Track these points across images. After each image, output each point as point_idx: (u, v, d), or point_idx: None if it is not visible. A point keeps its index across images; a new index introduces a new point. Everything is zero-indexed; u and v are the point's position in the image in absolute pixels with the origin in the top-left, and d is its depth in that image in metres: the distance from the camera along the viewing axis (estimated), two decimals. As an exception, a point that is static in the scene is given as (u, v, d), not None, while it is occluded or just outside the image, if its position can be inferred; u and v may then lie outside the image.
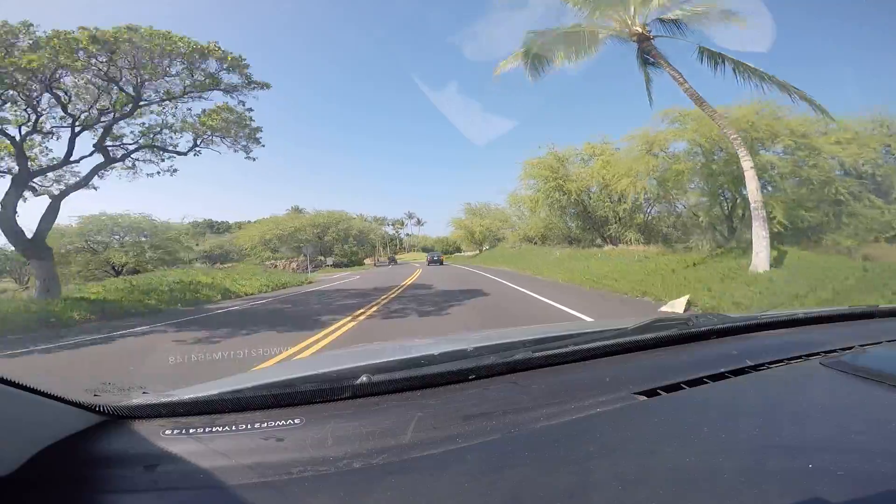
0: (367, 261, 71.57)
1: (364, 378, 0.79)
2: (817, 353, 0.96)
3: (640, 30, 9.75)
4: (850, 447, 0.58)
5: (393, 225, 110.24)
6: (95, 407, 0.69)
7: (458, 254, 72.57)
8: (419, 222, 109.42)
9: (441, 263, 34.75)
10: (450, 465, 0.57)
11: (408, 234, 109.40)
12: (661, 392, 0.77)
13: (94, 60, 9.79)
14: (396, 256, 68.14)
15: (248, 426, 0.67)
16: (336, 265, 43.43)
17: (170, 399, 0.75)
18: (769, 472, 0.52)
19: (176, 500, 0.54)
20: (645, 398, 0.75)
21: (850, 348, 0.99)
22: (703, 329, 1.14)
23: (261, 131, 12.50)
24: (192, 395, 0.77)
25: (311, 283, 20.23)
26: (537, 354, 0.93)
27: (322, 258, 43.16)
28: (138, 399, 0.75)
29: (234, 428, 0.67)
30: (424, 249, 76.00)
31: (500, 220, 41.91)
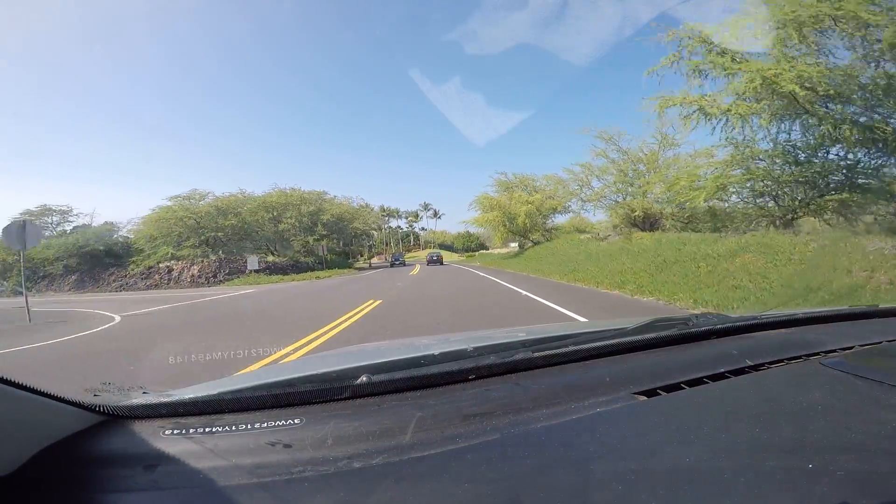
0: (375, 260, 54.90)
1: (364, 378, 0.79)
2: (817, 353, 0.96)
3: None
4: (850, 447, 0.58)
5: (406, 218, 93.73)
6: (95, 407, 0.69)
7: (485, 251, 54.25)
8: (436, 214, 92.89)
9: (441, 263, 35.44)
10: (450, 465, 0.57)
11: (423, 229, 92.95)
12: (661, 392, 0.78)
13: None
14: (405, 255, 52.22)
15: (248, 426, 0.67)
16: (275, 269, 26.27)
17: (170, 399, 0.75)
18: (769, 472, 0.52)
19: (176, 499, 0.54)
20: (645, 398, 0.75)
21: (850, 348, 0.99)
22: (702, 329, 1.14)
23: None
24: (192, 395, 0.77)
25: None
26: (537, 354, 0.93)
27: (249, 258, 25.94)
28: (138, 399, 0.75)
29: (234, 428, 0.66)
30: (442, 246, 65.40)
31: (569, 192, 23.42)
